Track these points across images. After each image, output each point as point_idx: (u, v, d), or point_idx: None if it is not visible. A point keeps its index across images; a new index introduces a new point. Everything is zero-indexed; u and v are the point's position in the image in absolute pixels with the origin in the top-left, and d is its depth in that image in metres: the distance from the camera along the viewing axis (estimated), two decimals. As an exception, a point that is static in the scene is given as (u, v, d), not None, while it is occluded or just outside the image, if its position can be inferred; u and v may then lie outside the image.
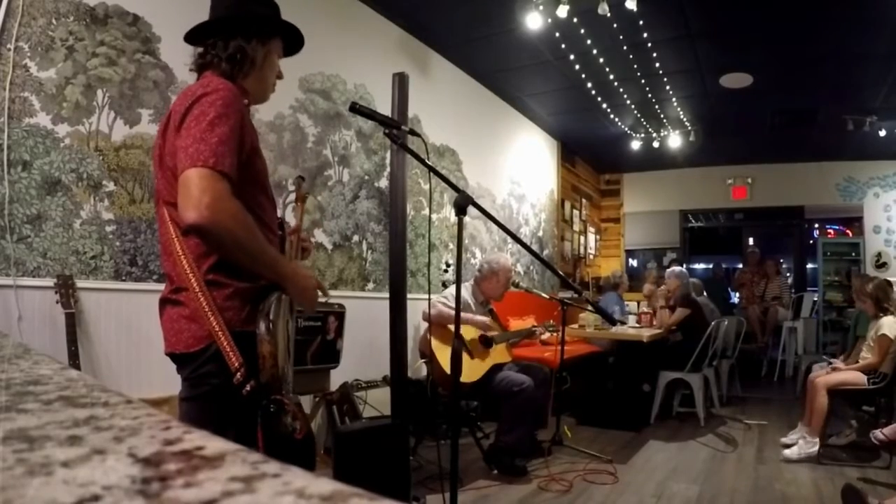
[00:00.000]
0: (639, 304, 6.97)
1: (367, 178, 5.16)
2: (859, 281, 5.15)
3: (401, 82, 3.40)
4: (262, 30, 1.88)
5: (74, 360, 2.87)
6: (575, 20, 5.27)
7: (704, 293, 7.46)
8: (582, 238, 10.37)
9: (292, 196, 4.37)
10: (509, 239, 3.80)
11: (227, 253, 1.60)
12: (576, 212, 10.12)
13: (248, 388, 1.58)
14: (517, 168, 8.01)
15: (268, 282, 1.70)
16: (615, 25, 5.34)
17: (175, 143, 1.60)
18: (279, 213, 2.00)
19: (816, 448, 4.49)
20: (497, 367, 4.34)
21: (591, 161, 10.93)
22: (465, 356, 4.07)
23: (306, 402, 4.03)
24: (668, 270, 6.60)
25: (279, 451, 1.63)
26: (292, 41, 2.02)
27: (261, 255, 1.63)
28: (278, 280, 1.71)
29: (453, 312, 2.43)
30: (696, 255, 12.94)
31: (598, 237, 11.32)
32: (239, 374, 1.58)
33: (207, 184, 1.50)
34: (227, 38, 1.82)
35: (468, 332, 4.27)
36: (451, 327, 4.01)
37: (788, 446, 4.70)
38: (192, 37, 1.88)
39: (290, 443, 1.64)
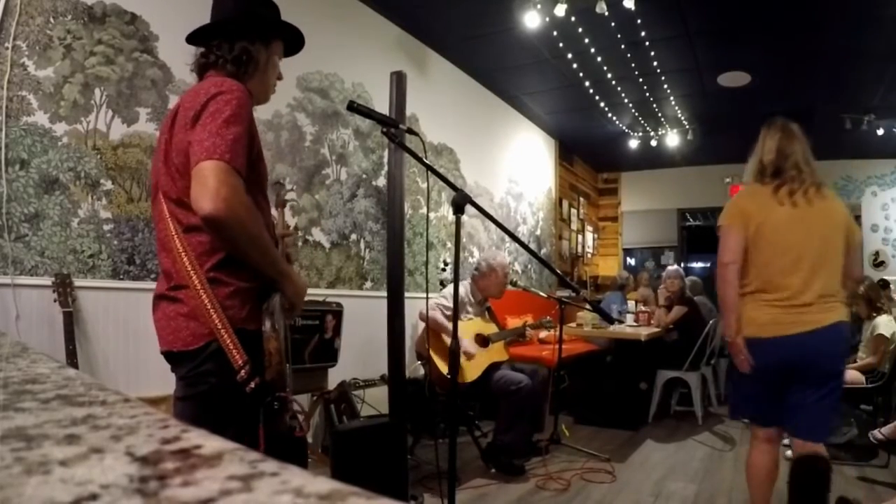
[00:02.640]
0: (636, 303, 6.98)
1: (364, 176, 5.16)
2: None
3: (398, 81, 3.40)
4: (265, 31, 1.89)
5: (72, 359, 2.87)
6: (573, 19, 5.27)
7: (704, 293, 7.48)
8: (580, 237, 10.38)
9: (291, 195, 4.36)
10: (507, 237, 3.81)
11: (238, 246, 1.61)
12: (574, 210, 10.12)
13: (251, 385, 1.58)
14: (515, 167, 8.01)
15: (268, 280, 1.72)
16: (613, 24, 5.35)
17: (186, 139, 1.61)
18: (275, 214, 2.01)
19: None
20: (494, 366, 4.34)
21: (589, 160, 10.94)
22: (462, 355, 4.08)
23: (304, 400, 4.04)
24: (668, 269, 6.59)
25: (277, 448, 1.64)
26: (292, 42, 2.03)
27: (268, 250, 1.66)
28: (279, 277, 1.72)
29: (449, 324, 2.43)
30: (693, 253, 12.93)
31: (595, 236, 11.32)
32: (243, 371, 1.58)
33: (225, 177, 1.52)
34: (231, 40, 1.82)
35: (465, 332, 4.27)
36: (445, 336, 4.02)
37: (790, 447, 4.70)
38: (195, 37, 1.88)
39: (287, 440, 1.65)
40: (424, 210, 5.69)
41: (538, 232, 8.80)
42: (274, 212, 2.13)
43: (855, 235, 2.90)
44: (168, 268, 1.73)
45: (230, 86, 1.67)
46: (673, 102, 7.45)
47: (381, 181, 5.27)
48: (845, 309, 2.78)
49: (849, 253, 2.82)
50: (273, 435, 1.64)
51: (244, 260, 1.65)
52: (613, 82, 6.78)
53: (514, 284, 4.86)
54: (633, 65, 6.29)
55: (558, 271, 3.22)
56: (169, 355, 1.71)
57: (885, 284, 7.23)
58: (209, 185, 1.50)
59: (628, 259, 11.83)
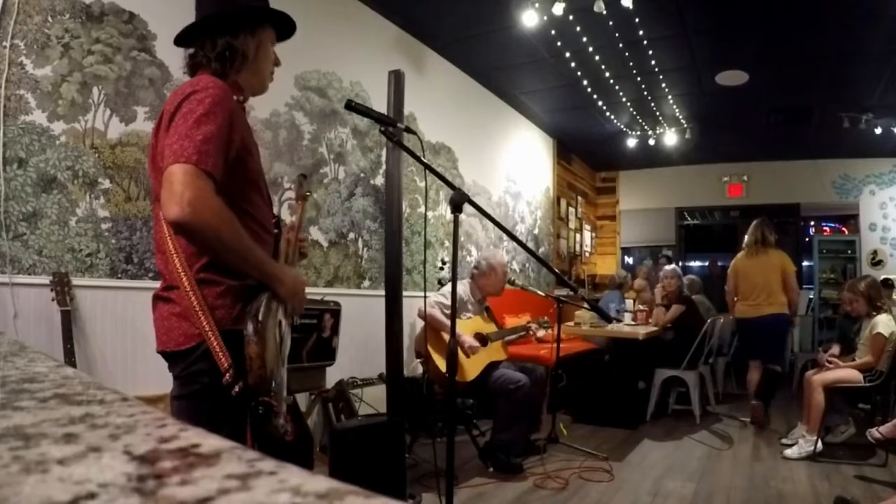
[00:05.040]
0: (634, 301, 6.98)
1: (362, 175, 5.16)
2: (849, 292, 5.12)
3: (396, 80, 3.40)
4: (250, 21, 1.85)
5: (70, 358, 2.87)
6: (570, 18, 5.27)
7: (702, 291, 7.49)
8: (578, 236, 10.39)
9: (289, 194, 4.37)
10: (505, 236, 3.80)
11: (212, 250, 1.59)
12: (571, 209, 10.13)
13: (236, 389, 1.58)
14: (513, 165, 8.01)
15: (257, 281, 1.69)
16: (611, 23, 5.35)
17: (164, 142, 1.59)
18: (276, 212, 1.99)
19: (816, 447, 4.50)
20: (493, 365, 4.34)
21: (587, 159, 10.95)
22: (460, 354, 4.08)
23: (302, 399, 4.04)
24: (665, 268, 6.59)
25: (272, 452, 1.63)
26: (284, 26, 2.00)
27: (247, 253, 1.61)
28: (266, 280, 1.69)
29: (448, 322, 2.43)
30: (691, 252, 12.95)
31: (593, 235, 11.33)
32: (228, 374, 1.57)
33: (190, 180, 1.49)
34: (214, 37, 1.80)
35: (464, 331, 4.27)
36: (445, 334, 4.02)
37: (788, 446, 4.70)
38: (181, 39, 1.86)
39: (282, 444, 1.64)
40: (422, 209, 5.69)
41: (536, 231, 8.81)
42: (284, 206, 2.11)
43: (787, 269, 5.77)
44: (162, 269, 1.72)
45: (205, 83, 1.64)
46: (671, 101, 7.46)
47: (380, 180, 5.27)
48: (784, 306, 5.72)
49: (784, 278, 5.74)
50: (267, 439, 1.64)
51: (224, 264, 1.63)
52: (611, 81, 6.78)
53: (511, 283, 4.86)
54: (631, 64, 6.29)
55: (556, 270, 3.21)
56: (164, 355, 1.71)
57: (890, 284, 7.25)
58: (174, 190, 1.47)
59: (626, 258, 11.84)
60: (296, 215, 2.18)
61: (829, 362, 4.89)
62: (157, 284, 1.78)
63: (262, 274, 1.68)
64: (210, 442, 0.43)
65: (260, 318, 1.64)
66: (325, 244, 4.74)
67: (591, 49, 5.96)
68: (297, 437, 1.76)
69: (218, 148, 1.57)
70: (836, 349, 5.28)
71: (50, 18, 3.05)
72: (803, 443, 4.56)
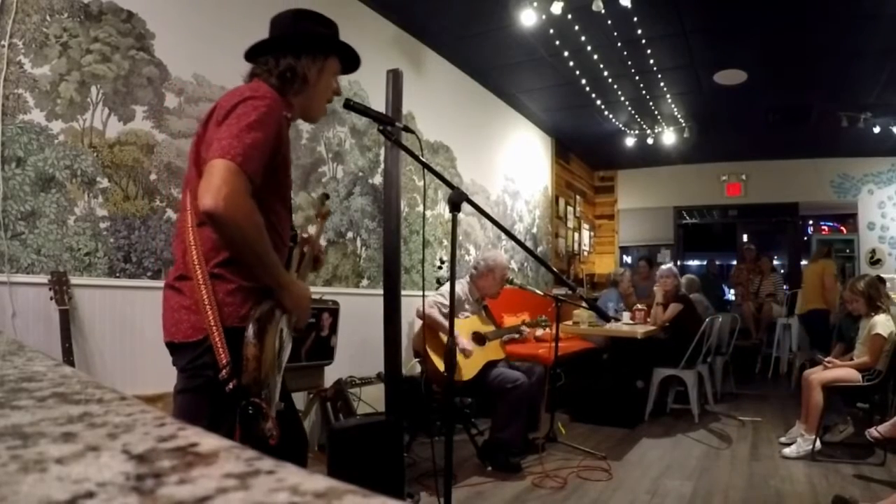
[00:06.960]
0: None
1: (361, 174, 5.15)
2: (849, 291, 5.09)
3: (395, 79, 3.40)
4: (315, 47, 1.93)
5: (68, 357, 2.86)
6: (569, 17, 5.27)
7: (700, 290, 7.49)
8: (576, 235, 10.38)
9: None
10: (503, 236, 3.80)
11: (235, 247, 1.64)
12: (570, 208, 10.13)
13: (230, 386, 1.62)
14: (511, 165, 8.01)
15: (267, 286, 1.73)
16: (609, 22, 5.35)
17: (214, 136, 1.65)
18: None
19: (814, 446, 4.50)
20: (491, 364, 4.34)
21: (586, 158, 10.95)
22: (458, 354, 4.08)
23: (300, 398, 4.03)
24: (661, 268, 6.58)
25: (276, 449, 1.64)
26: (349, 59, 2.07)
27: (265, 256, 1.67)
28: (276, 287, 1.74)
29: (445, 322, 2.43)
30: (690, 251, 12.96)
31: (592, 234, 11.33)
32: (224, 371, 1.61)
33: (229, 177, 1.56)
34: (278, 56, 1.87)
35: (462, 330, 4.28)
36: (442, 334, 4.02)
37: (787, 445, 4.70)
38: (250, 54, 1.93)
39: (268, 446, 1.66)
40: (421, 208, 5.68)
41: (534, 230, 8.81)
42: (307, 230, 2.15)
43: (825, 273, 7.30)
44: (178, 257, 1.78)
45: (264, 92, 1.72)
46: (669, 100, 7.46)
47: (378, 179, 5.27)
48: (822, 303, 7.27)
49: (823, 281, 7.27)
50: (254, 439, 1.65)
51: (241, 262, 1.69)
52: (610, 80, 6.78)
53: (510, 282, 4.86)
54: (629, 63, 6.29)
55: (554, 269, 3.21)
56: (170, 346, 1.75)
57: (881, 282, 7.24)
58: (213, 182, 1.54)
59: (625, 257, 11.85)
60: (314, 230, 2.21)
61: (829, 362, 4.89)
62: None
63: (272, 280, 1.73)
64: (208, 441, 0.43)
65: (262, 322, 1.68)
66: (324, 243, 4.73)
67: (589, 48, 5.95)
68: (291, 440, 1.78)
69: (262, 155, 1.65)
70: (838, 348, 5.29)
71: (48, 17, 3.04)
72: (802, 442, 4.56)
